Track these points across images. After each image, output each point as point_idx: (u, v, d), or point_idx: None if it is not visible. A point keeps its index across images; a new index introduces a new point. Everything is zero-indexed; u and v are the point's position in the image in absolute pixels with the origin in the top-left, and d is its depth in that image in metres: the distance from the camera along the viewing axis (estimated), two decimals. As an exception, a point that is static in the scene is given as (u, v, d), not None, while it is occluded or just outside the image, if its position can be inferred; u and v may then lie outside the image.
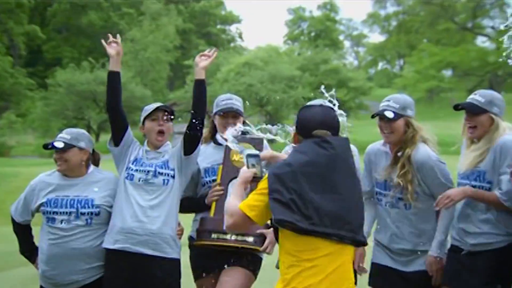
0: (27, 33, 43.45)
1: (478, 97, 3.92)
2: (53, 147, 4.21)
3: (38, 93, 41.44)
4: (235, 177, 3.93)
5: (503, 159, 3.77)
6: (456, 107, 4.04)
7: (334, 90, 3.33)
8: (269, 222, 3.98)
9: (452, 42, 40.90)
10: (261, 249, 4.11)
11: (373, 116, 4.07)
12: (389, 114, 3.96)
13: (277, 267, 3.20)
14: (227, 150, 4.21)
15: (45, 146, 4.31)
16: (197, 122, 4.15)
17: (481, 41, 43.07)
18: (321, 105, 3.18)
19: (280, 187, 2.95)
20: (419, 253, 3.98)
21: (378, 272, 4.13)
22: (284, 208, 2.92)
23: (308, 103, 3.27)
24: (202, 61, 4.31)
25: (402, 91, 42.44)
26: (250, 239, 4.08)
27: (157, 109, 4.34)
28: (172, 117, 4.37)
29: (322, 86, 3.35)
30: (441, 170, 3.90)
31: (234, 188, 3.24)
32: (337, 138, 3.07)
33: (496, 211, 3.80)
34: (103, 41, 4.32)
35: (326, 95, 3.29)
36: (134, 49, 44.29)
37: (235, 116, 4.37)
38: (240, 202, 3.06)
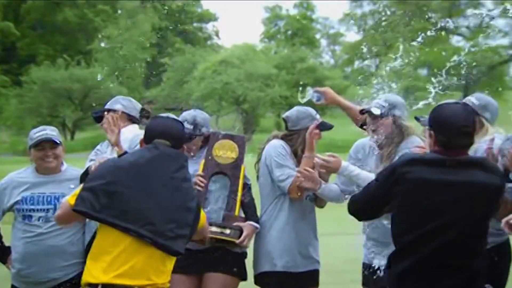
0: (1, 30, 42.75)
1: (473, 99, 4.05)
2: (54, 142, 4.20)
3: (12, 91, 40.94)
4: (217, 172, 4.26)
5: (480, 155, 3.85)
6: None
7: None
8: (243, 215, 4.27)
9: (428, 41, 41.10)
10: (237, 241, 4.16)
11: (361, 112, 4.13)
12: (375, 111, 4.01)
13: None
14: (210, 145, 4.30)
15: (42, 141, 4.20)
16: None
17: (456, 41, 43.37)
18: (167, 117, 3.54)
19: (97, 178, 3.23)
20: None
21: (366, 272, 4.16)
22: (91, 195, 3.18)
23: (162, 114, 3.62)
24: (112, 136, 4.13)
25: (379, 90, 42.56)
26: (227, 231, 4.15)
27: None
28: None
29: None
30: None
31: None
32: (170, 149, 3.34)
33: None
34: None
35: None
36: (109, 47, 43.86)
37: None
38: None
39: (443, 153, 3.08)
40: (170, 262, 3.35)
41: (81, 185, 3.32)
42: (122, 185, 3.20)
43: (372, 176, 3.84)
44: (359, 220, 3.67)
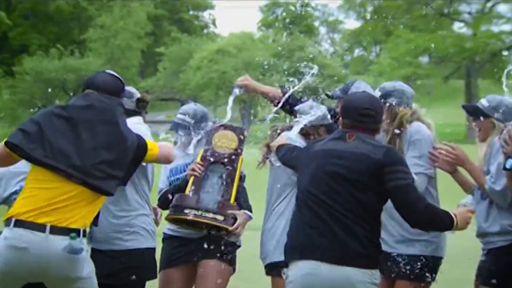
0: (-8, 19, 42.32)
1: (484, 101, 4.14)
2: None
3: (4, 81, 40.38)
4: (215, 161, 4.39)
5: (493, 155, 3.98)
6: (464, 108, 4.29)
7: None
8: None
9: (428, 28, 40.55)
10: (230, 229, 4.25)
11: None
12: None
13: None
14: (211, 133, 4.44)
15: None
16: None
17: (458, 27, 42.85)
18: (103, 71, 3.83)
19: (30, 121, 3.47)
20: (409, 238, 4.06)
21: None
22: (24, 136, 3.39)
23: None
24: None
25: (379, 78, 42.07)
26: (221, 218, 4.23)
27: None
28: None
29: None
30: (424, 148, 4.05)
31: None
32: (105, 96, 3.59)
33: (499, 212, 3.95)
34: None
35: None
36: (104, 36, 43.52)
37: None
38: None
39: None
40: (100, 202, 3.55)
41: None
42: (53, 129, 3.41)
43: None
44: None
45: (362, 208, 3.33)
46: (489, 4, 40.69)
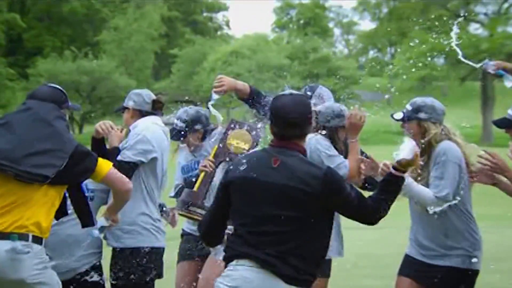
0: (7, 22, 42.34)
1: (510, 110, 4.07)
2: None
3: (19, 84, 40.64)
4: (227, 160, 4.38)
5: None
6: (494, 124, 4.30)
7: None
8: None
9: (444, 29, 40.23)
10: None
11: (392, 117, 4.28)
12: (397, 116, 4.17)
13: None
14: (227, 132, 4.45)
15: None
16: None
17: (474, 28, 42.50)
18: (45, 84, 4.07)
19: None
20: (444, 253, 4.01)
21: (406, 262, 4.21)
22: None
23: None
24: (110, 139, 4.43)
25: (394, 80, 41.80)
26: None
27: None
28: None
29: None
30: (447, 170, 3.94)
31: None
32: (42, 103, 3.72)
33: None
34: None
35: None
36: (118, 38, 43.63)
37: None
38: None
39: (276, 144, 3.28)
40: (48, 200, 3.54)
41: None
42: None
43: (425, 191, 3.90)
44: (209, 245, 3.81)
45: (303, 239, 3.16)
46: (505, 5, 40.31)
